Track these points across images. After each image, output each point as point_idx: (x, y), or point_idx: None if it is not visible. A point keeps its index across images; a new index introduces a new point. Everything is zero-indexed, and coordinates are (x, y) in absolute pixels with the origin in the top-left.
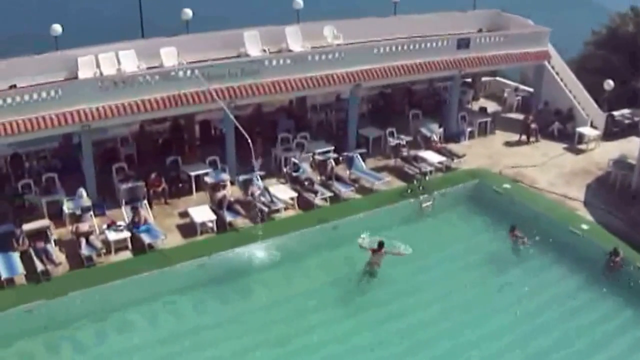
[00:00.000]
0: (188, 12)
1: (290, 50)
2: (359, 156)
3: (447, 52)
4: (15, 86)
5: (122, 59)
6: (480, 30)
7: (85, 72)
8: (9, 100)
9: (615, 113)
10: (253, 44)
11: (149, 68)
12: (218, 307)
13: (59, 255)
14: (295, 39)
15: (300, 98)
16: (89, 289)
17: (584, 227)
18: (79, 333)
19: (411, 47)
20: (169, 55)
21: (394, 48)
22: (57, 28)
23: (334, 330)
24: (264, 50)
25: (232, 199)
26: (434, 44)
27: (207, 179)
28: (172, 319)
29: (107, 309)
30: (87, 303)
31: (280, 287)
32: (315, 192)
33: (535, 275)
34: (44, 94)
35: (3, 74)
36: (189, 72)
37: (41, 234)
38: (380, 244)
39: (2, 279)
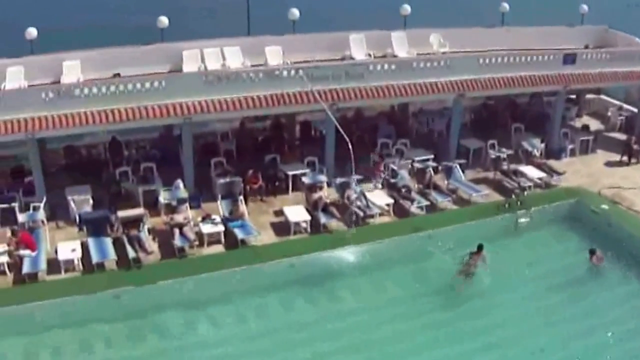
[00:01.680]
0: (295, 12)
1: (395, 56)
2: (458, 166)
3: (553, 66)
4: (119, 75)
5: (227, 55)
6: (587, 47)
7: (189, 65)
8: (112, 88)
9: None
10: (358, 47)
11: (253, 66)
12: (305, 308)
13: (151, 244)
14: (401, 44)
15: (402, 104)
16: (179, 280)
17: None
18: (165, 322)
19: (517, 59)
20: (274, 54)
21: (499, 59)
22: (164, 20)
23: (417, 340)
24: (369, 55)
25: (327, 201)
26: (540, 58)
27: (305, 180)
28: (258, 316)
29: (195, 300)
30: (175, 293)
31: (369, 293)
32: (412, 200)
33: (626, 301)
34: (147, 85)
35: (108, 62)
36: (293, 72)
37: (135, 222)
38: (480, 247)
39: (93, 262)
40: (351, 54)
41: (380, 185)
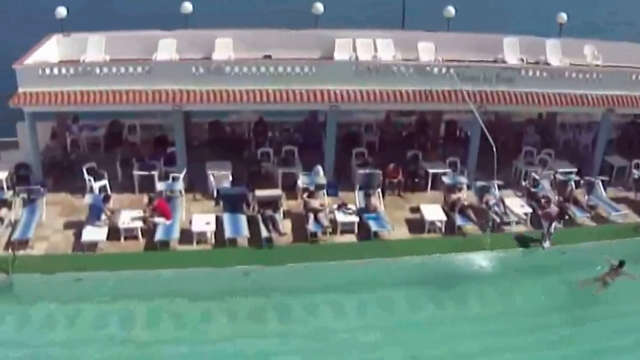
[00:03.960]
0: (451, 10)
1: (547, 64)
2: (600, 183)
3: None
4: (270, 56)
5: (379, 47)
6: None
7: (341, 53)
8: (262, 69)
9: None
10: (511, 51)
11: (404, 60)
12: (429, 308)
13: (285, 226)
14: (554, 52)
15: (550, 113)
16: (308, 264)
17: None
18: (288, 304)
19: None
20: (426, 50)
21: None
22: (319, 7)
23: (537, 356)
24: (521, 60)
25: (465, 204)
26: None
27: (445, 179)
28: (381, 310)
29: (319, 286)
30: (303, 277)
31: (495, 301)
32: None
33: None
34: (297, 69)
35: (259, 43)
36: (444, 69)
37: (271, 203)
38: (621, 263)
39: (226, 237)
40: (503, 57)
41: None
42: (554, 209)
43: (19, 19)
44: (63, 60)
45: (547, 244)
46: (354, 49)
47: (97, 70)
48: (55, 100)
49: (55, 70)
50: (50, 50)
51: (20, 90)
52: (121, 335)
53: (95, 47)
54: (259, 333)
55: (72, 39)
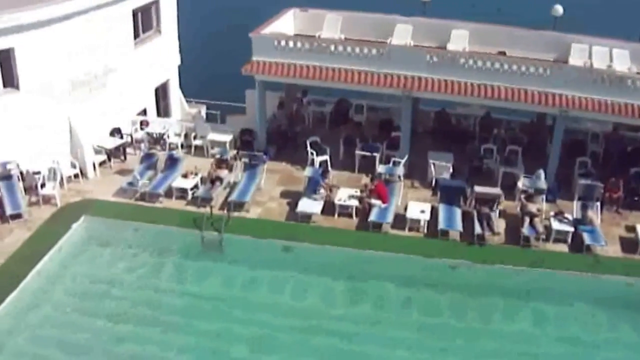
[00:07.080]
0: None
1: None
2: None
3: None
4: (504, 53)
5: (615, 57)
6: None
7: (575, 59)
8: (497, 64)
9: None
10: None
11: (639, 73)
12: (628, 332)
13: (499, 226)
14: None
15: None
16: (515, 268)
17: None
18: (490, 303)
19: None
20: None
21: None
22: (558, 9)
23: None
24: None
25: None
26: None
27: None
28: (580, 325)
29: (523, 292)
30: (508, 279)
31: None
32: None
33: None
34: (532, 69)
35: (495, 39)
36: None
37: (489, 201)
38: None
39: (439, 228)
40: None
41: None
42: None
43: None
44: (298, 34)
45: None
46: (590, 56)
47: (332, 48)
48: (287, 72)
49: (291, 43)
50: (287, 23)
51: (254, 58)
52: (319, 308)
53: (331, 24)
54: (462, 330)
55: (309, 14)
